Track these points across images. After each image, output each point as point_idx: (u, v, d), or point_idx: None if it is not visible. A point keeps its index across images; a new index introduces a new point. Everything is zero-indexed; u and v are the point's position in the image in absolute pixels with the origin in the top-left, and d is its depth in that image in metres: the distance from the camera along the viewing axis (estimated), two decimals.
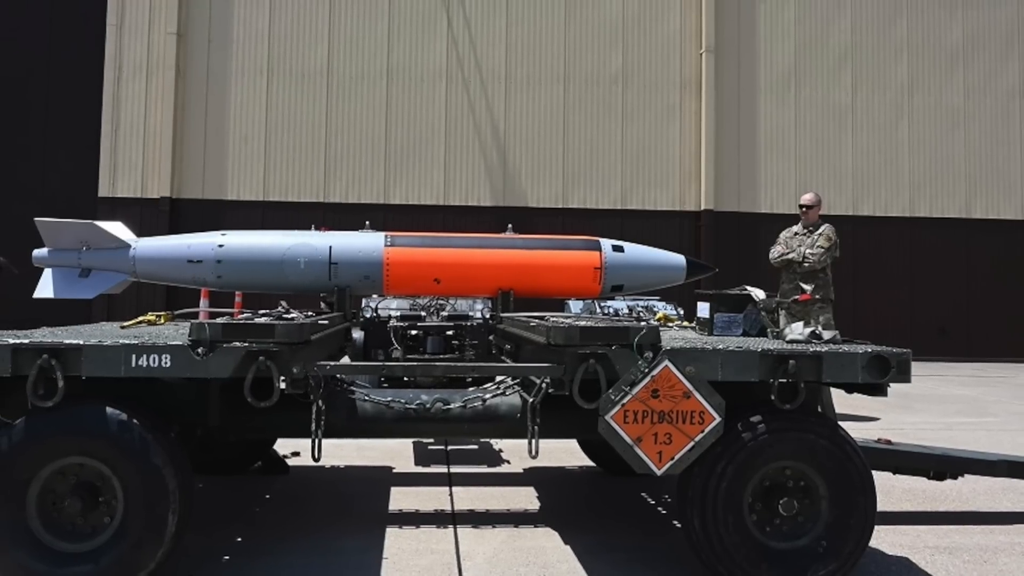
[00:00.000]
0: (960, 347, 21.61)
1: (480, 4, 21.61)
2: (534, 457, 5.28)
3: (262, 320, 5.03)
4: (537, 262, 6.89)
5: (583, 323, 5.31)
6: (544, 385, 5.10)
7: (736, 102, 21.92)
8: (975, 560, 5.83)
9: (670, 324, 7.62)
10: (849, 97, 22.26)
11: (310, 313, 6.09)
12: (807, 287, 11.52)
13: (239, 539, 5.97)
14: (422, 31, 21.50)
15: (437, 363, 7.05)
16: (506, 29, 21.62)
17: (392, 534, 6.12)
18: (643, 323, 5.55)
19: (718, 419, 4.81)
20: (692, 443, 4.80)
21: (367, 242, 6.80)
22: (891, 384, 5.05)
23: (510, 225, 9.13)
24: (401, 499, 7.17)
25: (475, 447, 9.21)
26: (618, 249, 7.03)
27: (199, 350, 4.67)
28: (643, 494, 7.46)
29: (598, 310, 9.99)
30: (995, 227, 22.34)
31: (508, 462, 8.64)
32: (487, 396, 5.73)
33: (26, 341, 4.64)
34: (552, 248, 7.05)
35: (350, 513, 6.74)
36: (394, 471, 8.21)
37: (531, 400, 5.21)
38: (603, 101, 21.68)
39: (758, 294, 6.21)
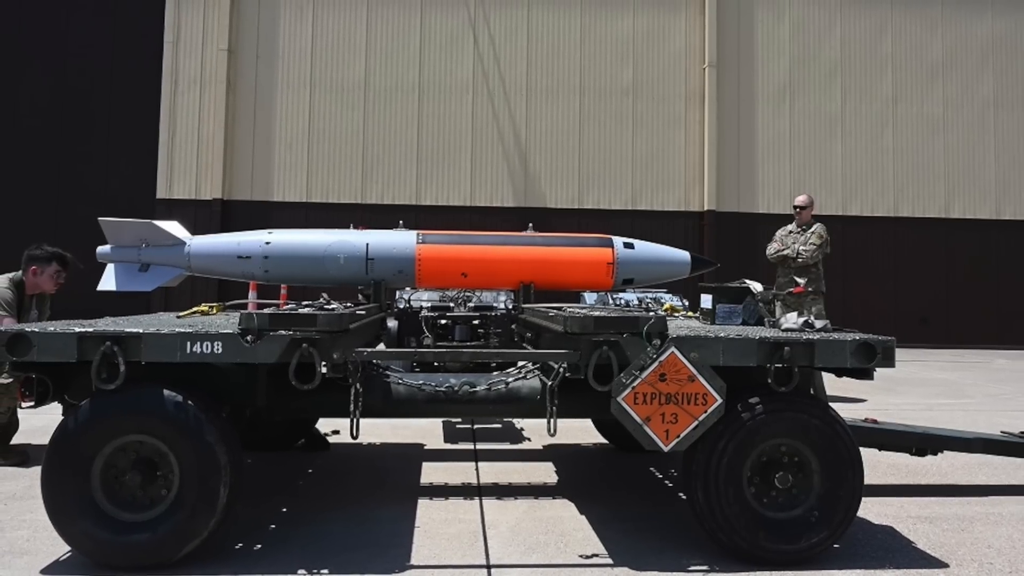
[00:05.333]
0: (940, 335, 21.51)
1: (504, 23, 21.58)
2: (552, 435, 5.25)
3: (305, 311, 5.01)
4: (555, 258, 6.87)
5: (597, 313, 5.28)
6: (562, 369, 5.07)
7: (736, 112, 21.83)
8: (953, 528, 5.79)
9: (676, 314, 7.59)
10: (839, 107, 22.14)
11: (349, 304, 6.07)
12: (801, 280, 11.50)
13: (284, 509, 5.97)
14: (451, 48, 21.49)
15: (464, 349, 7.03)
16: (527, 46, 21.58)
17: (423, 505, 6.11)
18: (651, 313, 5.51)
19: (720, 400, 4.79)
20: (696, 422, 4.78)
21: (401, 239, 6.78)
22: (877, 369, 5.02)
23: (530, 224, 9.08)
24: (431, 473, 7.16)
25: (499, 426, 9.20)
26: (629, 246, 6.99)
27: (248, 338, 4.67)
28: (651, 469, 7.44)
29: (611, 301, 9.96)
30: (971, 226, 22.20)
31: (529, 440, 8.62)
32: (510, 380, 5.70)
33: (91, 329, 4.65)
34: (569, 245, 7.02)
35: (385, 486, 6.74)
36: (425, 448, 8.21)
37: (550, 383, 5.18)
38: (615, 111, 21.64)
39: (756, 287, 6.18)
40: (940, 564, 5.06)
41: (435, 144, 21.33)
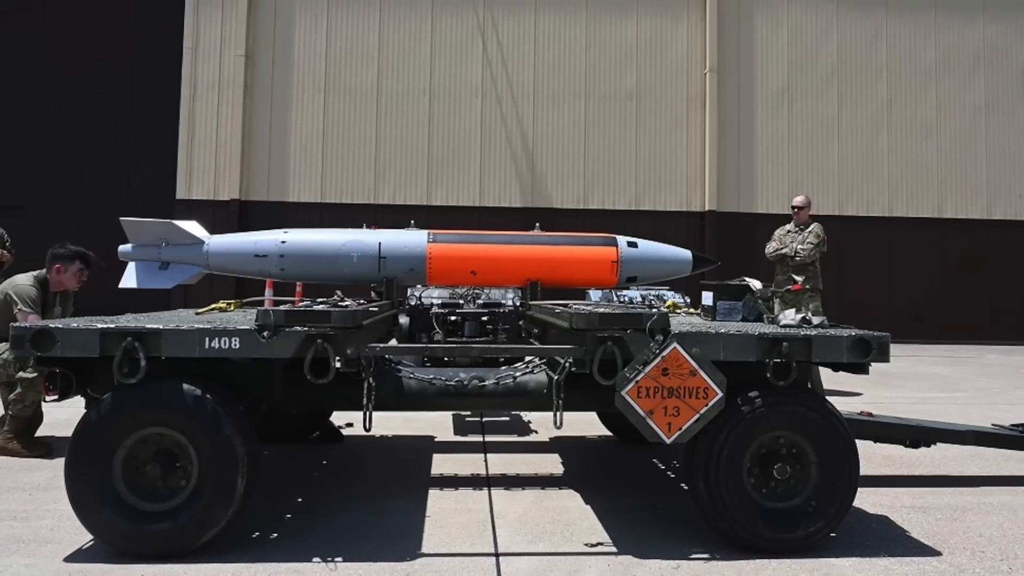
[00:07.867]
0: (933, 331, 21.46)
1: (511, 30, 21.58)
2: (559, 428, 5.24)
3: (320, 307, 5.01)
4: (561, 256, 6.85)
5: (602, 310, 5.27)
6: (568, 364, 5.07)
7: (736, 116, 21.80)
8: (946, 518, 5.77)
9: (678, 311, 7.57)
10: (835, 111, 22.10)
11: (362, 301, 6.07)
12: (799, 278, 11.47)
13: (300, 500, 5.97)
14: (460, 53, 21.49)
15: (473, 345, 7.01)
16: (534, 52, 21.57)
17: (434, 495, 6.11)
18: (654, 310, 5.50)
19: (720, 394, 4.78)
20: (697, 415, 4.77)
21: (412, 239, 6.77)
22: (872, 363, 5.02)
23: (537, 224, 9.07)
24: (442, 465, 7.16)
25: (507, 419, 9.19)
26: (632, 245, 6.98)
27: (264, 334, 4.66)
28: (654, 460, 7.43)
29: (615, 299, 9.95)
30: (963, 225, 22.15)
31: (536, 432, 8.61)
32: (517, 374, 5.70)
33: (112, 326, 4.65)
34: (574, 244, 7.00)
35: (397, 477, 6.74)
36: (435, 440, 8.20)
37: (556, 377, 5.17)
38: (619, 115, 21.62)
39: (755, 284, 6.16)
40: (933, 552, 5.04)
41: (445, 146, 21.33)
